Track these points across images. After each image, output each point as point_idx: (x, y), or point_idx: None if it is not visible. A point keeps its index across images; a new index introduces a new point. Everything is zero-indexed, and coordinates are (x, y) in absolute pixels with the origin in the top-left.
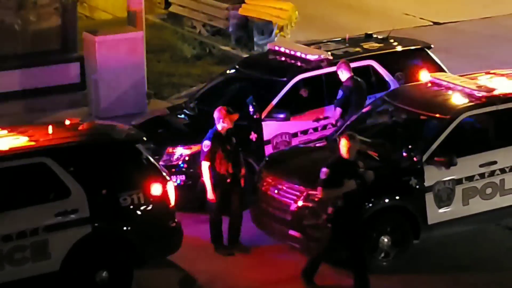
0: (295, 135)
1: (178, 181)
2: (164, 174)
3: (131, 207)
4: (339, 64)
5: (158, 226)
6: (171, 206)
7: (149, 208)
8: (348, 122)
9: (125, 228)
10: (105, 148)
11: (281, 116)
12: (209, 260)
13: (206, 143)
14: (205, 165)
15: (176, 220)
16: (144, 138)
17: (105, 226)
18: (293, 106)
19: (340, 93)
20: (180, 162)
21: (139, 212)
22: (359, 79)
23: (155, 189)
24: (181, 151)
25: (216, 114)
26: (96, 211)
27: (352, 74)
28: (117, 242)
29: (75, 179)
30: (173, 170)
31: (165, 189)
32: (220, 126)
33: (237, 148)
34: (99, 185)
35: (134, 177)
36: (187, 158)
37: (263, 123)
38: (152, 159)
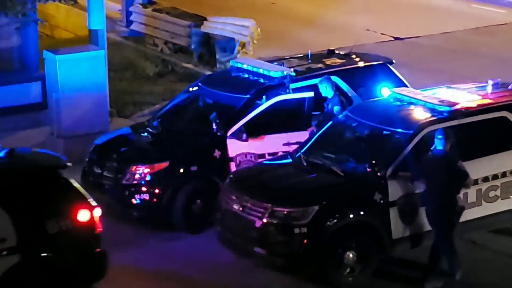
0: (262, 156)
1: (138, 200)
2: (90, 200)
3: (58, 234)
4: (322, 80)
5: (84, 253)
6: (97, 232)
7: (76, 234)
8: (313, 139)
9: (53, 255)
10: (28, 174)
11: (243, 136)
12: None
13: None
14: None
15: (101, 246)
16: (67, 164)
17: (33, 254)
18: (261, 126)
19: (339, 109)
20: (143, 181)
21: (66, 239)
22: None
23: (82, 216)
24: (144, 170)
25: None
26: (23, 240)
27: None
28: (45, 270)
29: (1, 207)
30: (137, 189)
31: (92, 215)
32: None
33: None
34: (25, 213)
35: (59, 204)
36: (150, 177)
37: (228, 140)
38: (77, 185)
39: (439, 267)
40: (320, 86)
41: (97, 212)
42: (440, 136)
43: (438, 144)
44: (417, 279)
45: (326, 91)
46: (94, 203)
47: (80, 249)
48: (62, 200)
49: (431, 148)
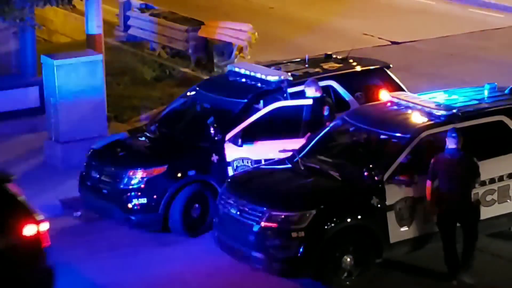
0: (258, 162)
1: (136, 205)
2: (36, 214)
3: (3, 250)
4: (309, 82)
5: (30, 269)
6: (44, 246)
7: (21, 250)
8: (312, 143)
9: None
10: None
11: (238, 142)
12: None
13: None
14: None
15: (48, 261)
16: (12, 178)
17: None
18: (258, 132)
19: (327, 108)
20: (141, 185)
21: (11, 255)
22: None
23: (27, 230)
24: (142, 174)
25: None
26: None
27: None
28: None
29: None
30: (135, 193)
31: (38, 230)
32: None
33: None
34: None
35: (4, 219)
36: (148, 181)
37: (225, 144)
38: (23, 200)
39: (471, 262)
40: (306, 88)
41: (44, 226)
42: (454, 135)
43: (451, 143)
44: (415, 282)
45: (314, 93)
46: (40, 217)
47: (26, 265)
48: (6, 215)
49: (445, 147)
